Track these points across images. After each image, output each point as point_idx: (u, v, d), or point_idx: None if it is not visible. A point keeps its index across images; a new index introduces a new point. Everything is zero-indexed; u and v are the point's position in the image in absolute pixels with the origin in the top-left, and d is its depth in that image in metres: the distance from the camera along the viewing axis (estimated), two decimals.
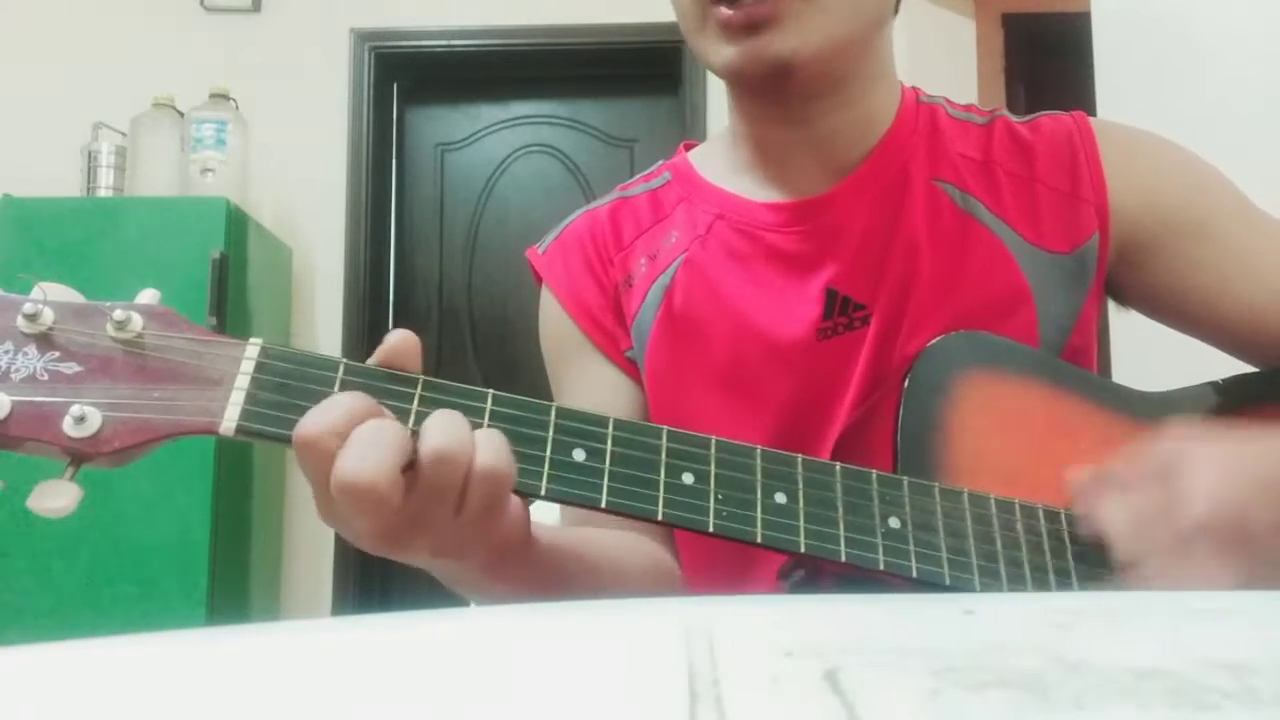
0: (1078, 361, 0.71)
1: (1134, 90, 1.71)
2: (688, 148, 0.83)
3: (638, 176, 0.83)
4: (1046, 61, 2.95)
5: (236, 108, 2.87)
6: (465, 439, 0.48)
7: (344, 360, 0.51)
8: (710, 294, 0.72)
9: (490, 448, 0.48)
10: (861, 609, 0.33)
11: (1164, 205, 0.71)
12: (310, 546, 2.96)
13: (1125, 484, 0.57)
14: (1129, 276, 0.72)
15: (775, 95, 0.69)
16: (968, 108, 0.78)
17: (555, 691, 0.22)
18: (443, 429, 0.48)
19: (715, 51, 0.66)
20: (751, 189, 0.74)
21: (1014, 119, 0.76)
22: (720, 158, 0.78)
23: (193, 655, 0.27)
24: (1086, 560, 0.58)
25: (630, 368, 0.76)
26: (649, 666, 0.24)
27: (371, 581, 2.98)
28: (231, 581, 2.57)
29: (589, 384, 0.77)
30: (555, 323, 0.78)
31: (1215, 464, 0.56)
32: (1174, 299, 0.72)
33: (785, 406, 0.70)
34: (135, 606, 2.35)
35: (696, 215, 0.75)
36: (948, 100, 0.78)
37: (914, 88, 0.78)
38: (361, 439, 0.47)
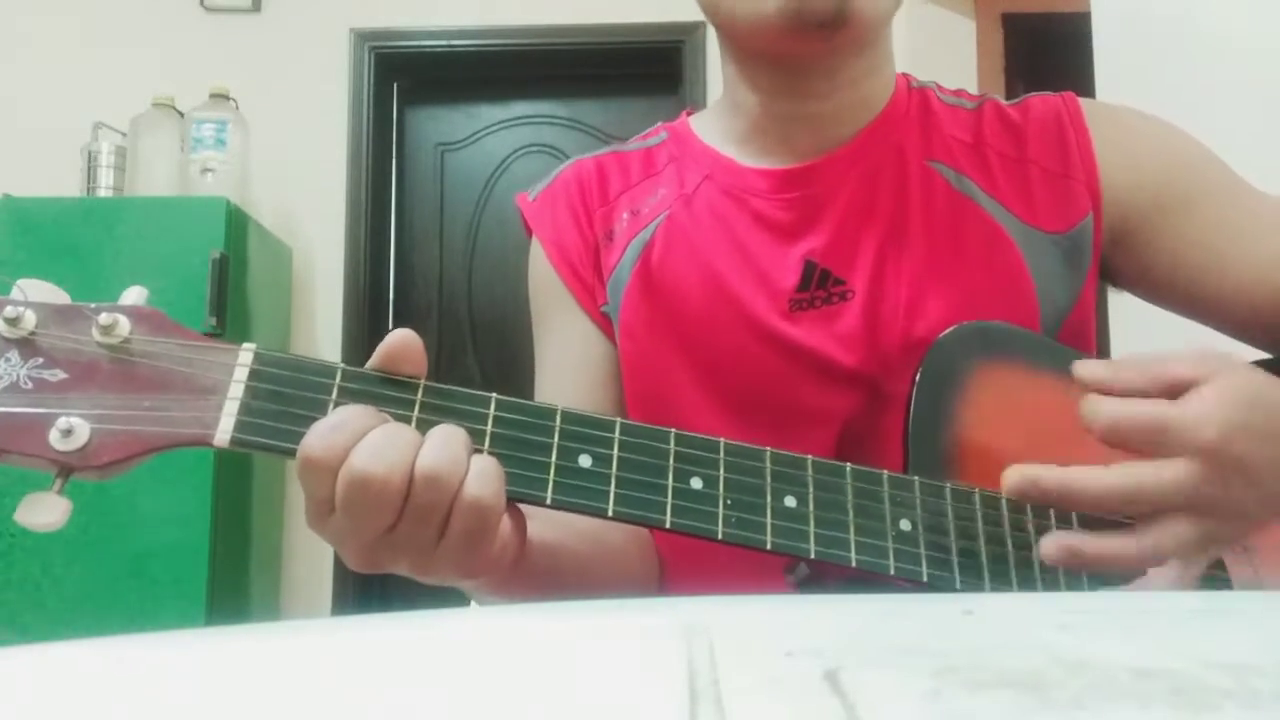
0: (1076, 342, 0.70)
1: (1134, 90, 1.71)
2: (689, 113, 0.83)
3: (637, 135, 0.83)
4: (1046, 61, 2.94)
5: (236, 108, 2.87)
6: (459, 462, 0.47)
7: (341, 365, 0.50)
8: (689, 253, 0.72)
9: (481, 477, 0.47)
10: (862, 609, 0.33)
11: (1153, 183, 0.70)
12: (310, 546, 2.95)
13: (1130, 385, 0.53)
14: (1122, 257, 0.72)
15: (808, 58, 0.68)
16: (957, 92, 0.78)
17: (556, 691, 0.22)
18: (438, 449, 0.47)
19: None
20: (744, 155, 0.74)
21: (1003, 102, 0.76)
22: (717, 123, 0.78)
23: (193, 655, 0.27)
24: None
25: (605, 323, 0.75)
26: (649, 666, 0.24)
27: (371, 582, 2.98)
28: (231, 582, 2.56)
29: (564, 336, 0.77)
30: (540, 272, 0.78)
31: (1238, 395, 0.51)
32: (1167, 279, 0.71)
33: (752, 372, 0.69)
34: (135, 607, 2.35)
35: (686, 174, 0.75)
36: (938, 85, 0.78)
37: (904, 74, 0.78)
38: (378, 436, 0.46)
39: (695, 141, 0.77)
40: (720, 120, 0.78)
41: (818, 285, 0.69)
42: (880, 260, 0.69)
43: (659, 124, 0.82)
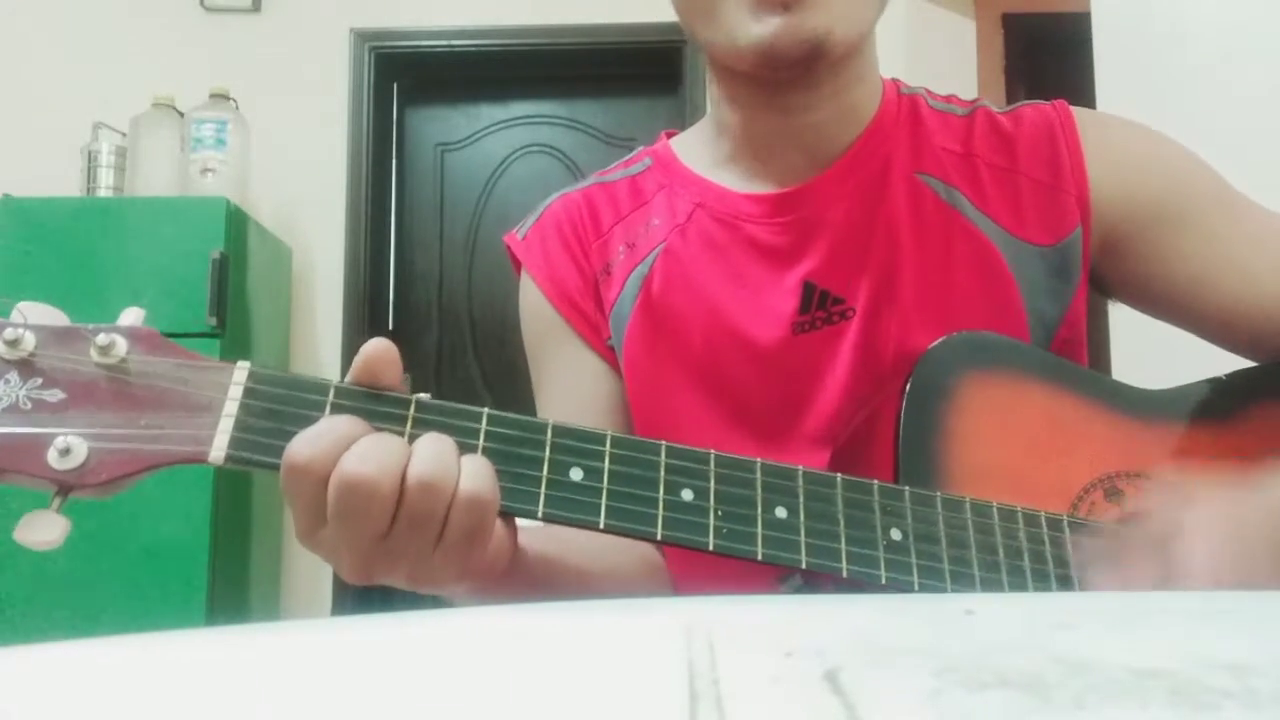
0: (1066, 355, 0.70)
1: (1134, 90, 1.71)
2: (669, 135, 0.82)
3: (618, 163, 0.82)
4: (1046, 61, 2.95)
5: (236, 108, 2.87)
6: (450, 466, 0.47)
7: (335, 383, 0.50)
8: (688, 285, 0.72)
9: (475, 475, 0.48)
10: (861, 609, 0.33)
11: (1145, 195, 0.70)
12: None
13: (1119, 556, 0.55)
14: (1112, 268, 0.72)
15: (787, 79, 0.68)
16: (948, 98, 0.77)
17: (555, 691, 0.22)
18: (428, 457, 0.47)
19: (742, 28, 0.63)
20: (733, 180, 0.74)
21: (995, 110, 0.75)
22: (702, 148, 0.77)
23: (193, 655, 0.27)
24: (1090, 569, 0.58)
25: (611, 356, 0.75)
26: (649, 666, 0.24)
27: None
28: (231, 582, 2.56)
29: (567, 370, 0.76)
30: (535, 309, 0.77)
31: (1214, 528, 0.53)
32: (1157, 290, 0.71)
33: (760, 400, 0.69)
34: (135, 606, 2.35)
35: (677, 203, 0.75)
36: (928, 91, 0.77)
37: (894, 79, 0.77)
38: (366, 442, 0.47)
39: (682, 168, 0.76)
40: (705, 144, 0.77)
41: (818, 306, 0.69)
42: (877, 276, 0.69)
43: (639, 149, 0.81)
